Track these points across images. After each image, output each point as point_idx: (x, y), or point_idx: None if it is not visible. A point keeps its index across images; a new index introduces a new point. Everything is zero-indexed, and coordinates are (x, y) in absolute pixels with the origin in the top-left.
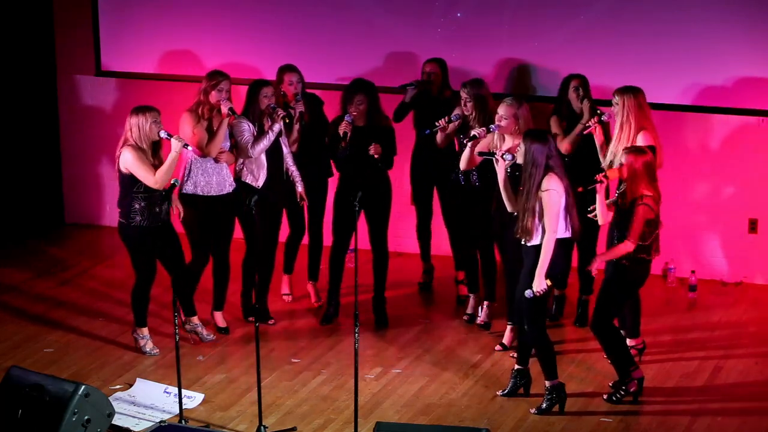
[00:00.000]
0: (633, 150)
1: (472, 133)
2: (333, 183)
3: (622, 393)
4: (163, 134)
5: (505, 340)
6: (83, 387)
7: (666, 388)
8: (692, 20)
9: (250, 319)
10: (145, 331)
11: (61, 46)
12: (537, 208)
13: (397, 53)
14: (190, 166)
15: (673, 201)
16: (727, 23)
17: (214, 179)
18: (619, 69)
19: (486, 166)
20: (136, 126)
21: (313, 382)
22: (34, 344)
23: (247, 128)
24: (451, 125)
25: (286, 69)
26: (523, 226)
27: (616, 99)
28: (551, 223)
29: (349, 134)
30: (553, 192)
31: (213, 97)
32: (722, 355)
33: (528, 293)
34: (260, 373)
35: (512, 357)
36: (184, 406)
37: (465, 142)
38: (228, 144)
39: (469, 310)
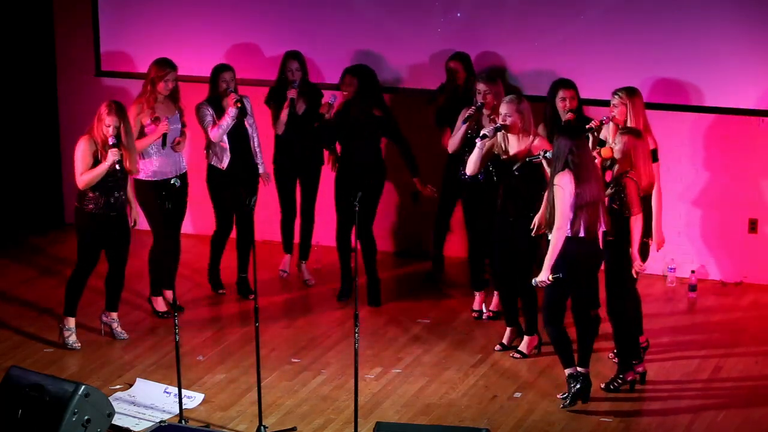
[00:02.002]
0: (629, 131)
1: (483, 132)
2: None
3: (620, 381)
4: (110, 140)
5: (505, 339)
6: (83, 387)
7: (666, 387)
8: (692, 20)
9: (251, 296)
10: (72, 322)
11: (61, 46)
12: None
13: (396, 53)
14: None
15: (673, 201)
16: (726, 23)
17: (170, 162)
18: (619, 68)
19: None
20: (97, 118)
21: (313, 382)
22: (34, 344)
23: (208, 112)
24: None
25: (290, 56)
26: (547, 217)
27: (621, 99)
28: (558, 218)
29: (332, 109)
30: (559, 188)
31: (160, 87)
32: (722, 354)
33: (533, 282)
34: (260, 373)
35: (512, 357)
36: (184, 406)
37: (476, 141)
38: (179, 128)
39: (476, 307)
